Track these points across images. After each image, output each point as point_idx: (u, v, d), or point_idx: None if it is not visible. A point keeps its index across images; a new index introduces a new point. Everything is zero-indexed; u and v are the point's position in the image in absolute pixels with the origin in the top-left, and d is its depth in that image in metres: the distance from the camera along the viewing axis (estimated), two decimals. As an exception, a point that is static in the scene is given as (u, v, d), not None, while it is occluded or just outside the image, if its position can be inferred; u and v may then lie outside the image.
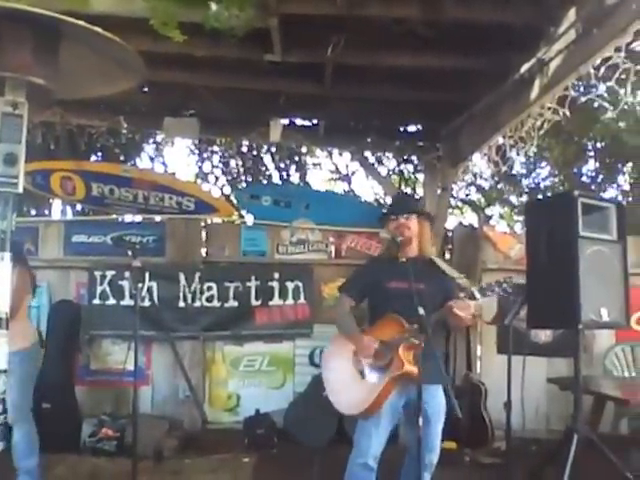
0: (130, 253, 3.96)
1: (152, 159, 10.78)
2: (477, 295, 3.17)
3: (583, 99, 4.13)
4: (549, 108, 4.08)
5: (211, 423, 5.84)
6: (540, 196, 9.67)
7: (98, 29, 2.11)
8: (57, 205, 9.40)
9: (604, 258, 3.82)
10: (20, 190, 2.09)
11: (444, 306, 3.15)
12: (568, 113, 3.98)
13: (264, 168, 11.18)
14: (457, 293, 3.27)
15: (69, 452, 5.05)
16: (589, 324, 3.73)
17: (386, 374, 3.17)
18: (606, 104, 3.93)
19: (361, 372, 3.24)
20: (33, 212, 9.12)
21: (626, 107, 4.11)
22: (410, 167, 10.70)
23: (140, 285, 5.39)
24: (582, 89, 4.83)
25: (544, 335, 5.90)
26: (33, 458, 3.90)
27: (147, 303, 5.73)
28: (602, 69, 3.36)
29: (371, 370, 3.22)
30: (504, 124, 4.52)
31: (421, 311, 2.89)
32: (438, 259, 3.49)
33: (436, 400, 3.26)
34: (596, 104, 4.66)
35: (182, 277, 5.91)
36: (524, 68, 3.90)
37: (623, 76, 3.39)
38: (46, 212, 9.28)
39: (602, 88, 4.02)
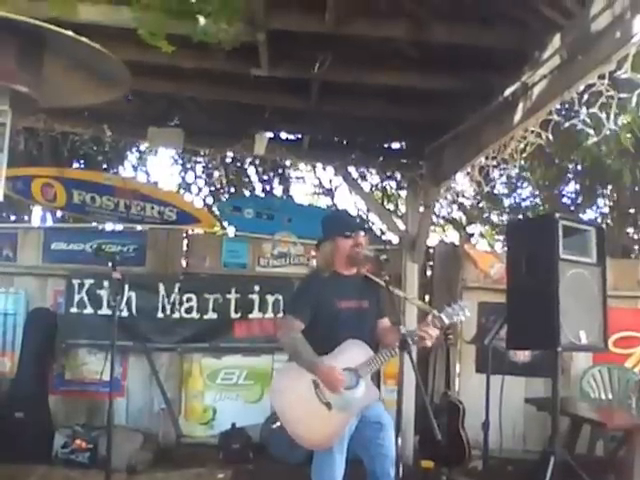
0: (110, 264, 3.92)
1: (135, 168, 10.72)
2: (445, 320, 3.21)
3: (566, 124, 4.16)
4: (532, 131, 4.11)
5: (186, 437, 5.76)
6: (521, 216, 9.75)
7: (84, 39, 2.10)
8: (37, 211, 9.31)
9: (584, 281, 3.85)
10: (0, 199, 2.06)
11: (418, 329, 3.20)
12: (551, 137, 4.02)
13: (247, 180, 11.16)
14: (386, 311, 3.42)
15: (40, 463, 4.97)
16: (568, 347, 3.75)
17: (357, 403, 3.12)
18: (589, 130, 3.97)
19: (327, 404, 3.09)
20: (12, 218, 9.01)
21: (608, 132, 4.15)
22: (393, 183, 10.75)
23: (119, 297, 5.34)
24: (564, 112, 4.88)
25: (522, 355, 5.92)
26: None
27: (125, 313, 5.66)
28: (586, 95, 3.39)
29: (339, 401, 3.09)
30: (487, 145, 4.54)
31: (403, 330, 2.90)
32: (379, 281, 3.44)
33: (382, 408, 3.33)
34: (578, 126, 4.70)
35: (162, 288, 5.86)
36: (508, 91, 3.93)
37: (604, 100, 3.43)
38: (25, 218, 9.17)
39: (584, 111, 4.06)
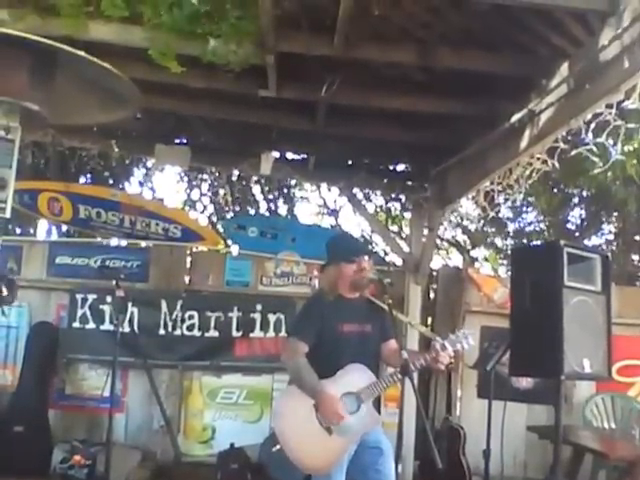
0: (114, 282, 3.91)
1: (141, 184, 10.74)
2: (448, 347, 3.19)
3: (572, 152, 4.16)
4: (538, 158, 4.12)
5: (184, 455, 5.70)
6: (526, 242, 9.74)
7: (96, 59, 2.11)
8: (43, 225, 9.33)
9: (588, 309, 3.81)
10: (7, 215, 2.07)
11: (429, 354, 3.17)
12: (557, 164, 4.02)
13: (252, 199, 11.20)
14: (392, 332, 3.37)
15: (39, 478, 4.93)
16: (571, 375, 3.70)
17: (358, 429, 3.09)
18: (595, 159, 3.97)
19: (328, 429, 3.04)
20: (18, 231, 9.02)
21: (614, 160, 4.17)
22: (397, 205, 10.76)
23: (122, 315, 5.32)
24: (570, 138, 4.89)
25: (525, 381, 5.87)
26: None
27: (127, 329, 5.62)
28: (593, 124, 3.40)
29: (340, 427, 3.04)
30: (493, 170, 4.55)
31: (405, 355, 2.89)
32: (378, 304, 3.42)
33: (381, 434, 3.27)
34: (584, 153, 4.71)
35: (164, 304, 5.85)
36: (515, 117, 3.94)
37: (611, 128, 3.43)
38: (31, 231, 9.18)
39: (590, 137, 4.07)
